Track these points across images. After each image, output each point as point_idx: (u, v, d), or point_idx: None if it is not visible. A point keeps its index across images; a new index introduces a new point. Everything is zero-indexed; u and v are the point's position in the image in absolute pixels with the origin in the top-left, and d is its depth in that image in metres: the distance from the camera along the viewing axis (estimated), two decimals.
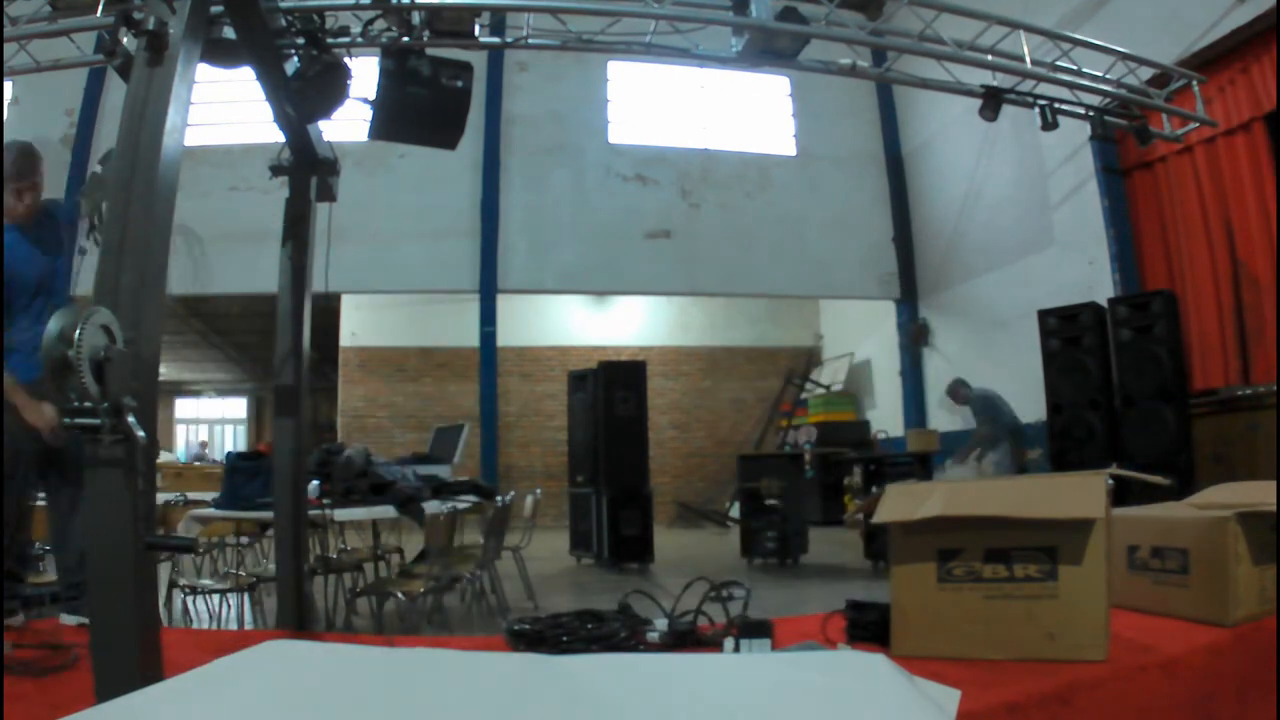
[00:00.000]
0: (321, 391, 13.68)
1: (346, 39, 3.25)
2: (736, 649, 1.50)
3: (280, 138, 2.87)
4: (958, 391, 7.97)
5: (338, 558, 4.47)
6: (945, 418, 9.77)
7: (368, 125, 3.13)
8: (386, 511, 4.20)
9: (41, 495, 2.98)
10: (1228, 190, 6.42)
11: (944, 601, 1.51)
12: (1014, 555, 1.49)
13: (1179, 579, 1.72)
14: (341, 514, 3.86)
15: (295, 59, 2.71)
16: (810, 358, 13.09)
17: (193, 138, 7.14)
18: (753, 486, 7.24)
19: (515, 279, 9.89)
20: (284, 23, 2.66)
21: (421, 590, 3.82)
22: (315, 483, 3.69)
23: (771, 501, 7.05)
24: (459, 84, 3.14)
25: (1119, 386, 6.12)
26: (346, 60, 2.81)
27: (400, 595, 3.81)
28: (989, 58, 5.43)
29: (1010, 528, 1.48)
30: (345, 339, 11.90)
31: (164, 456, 14.92)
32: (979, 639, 1.49)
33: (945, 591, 1.52)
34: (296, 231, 2.88)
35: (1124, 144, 7.17)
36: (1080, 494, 1.49)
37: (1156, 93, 5.99)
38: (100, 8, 3.89)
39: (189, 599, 4.06)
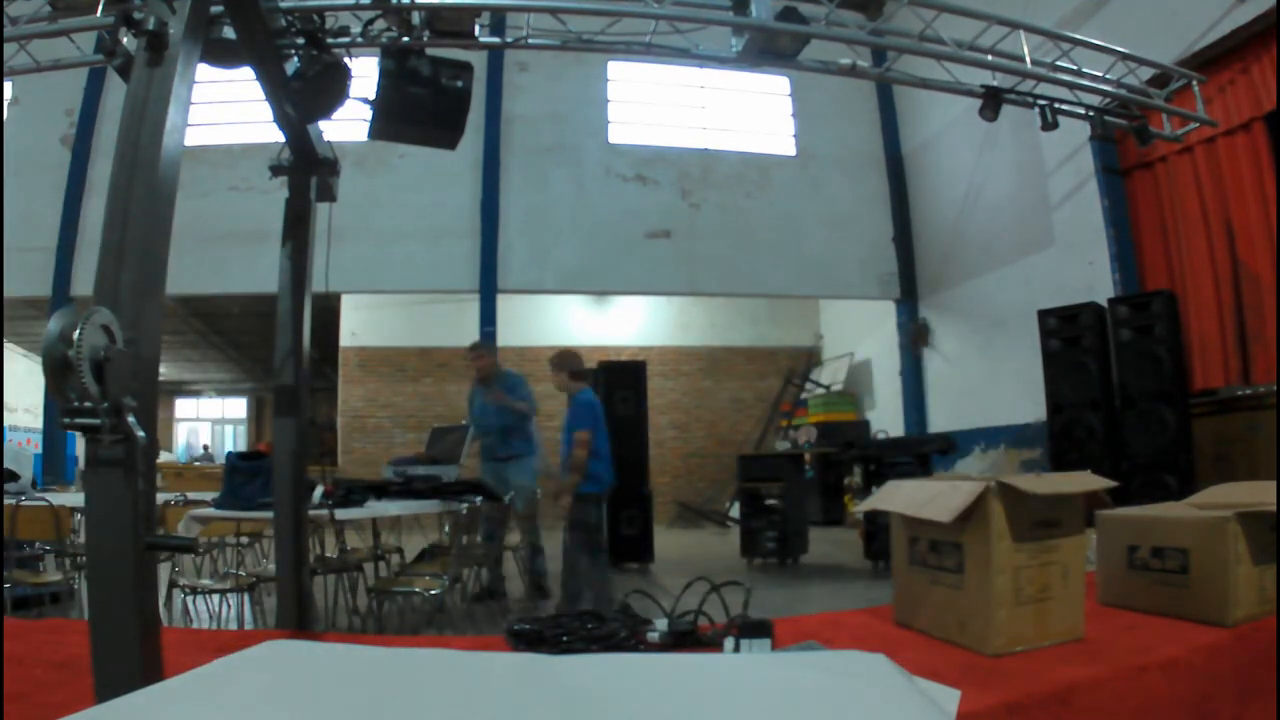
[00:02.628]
0: (321, 391, 13.68)
1: (346, 39, 3.26)
2: (736, 649, 1.50)
3: (280, 138, 2.87)
4: None
5: (338, 558, 4.48)
6: (945, 418, 9.78)
7: (368, 125, 3.13)
8: (385, 510, 4.21)
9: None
10: (1228, 190, 6.42)
11: (911, 578, 1.76)
12: (941, 548, 1.66)
13: (1179, 579, 1.73)
14: (341, 514, 3.86)
15: (295, 59, 2.71)
16: (810, 358, 13.09)
17: (193, 138, 7.15)
18: (753, 486, 7.24)
19: (515, 279, 9.89)
20: (284, 23, 2.66)
21: (437, 589, 3.82)
22: (319, 488, 3.69)
23: (771, 501, 7.06)
24: (459, 84, 3.13)
25: (1119, 386, 6.12)
26: (346, 60, 2.81)
27: (419, 590, 3.82)
28: (989, 58, 5.43)
29: (934, 523, 1.62)
30: (345, 339, 11.90)
31: (164, 456, 14.94)
32: (924, 615, 1.71)
33: (913, 570, 1.75)
34: (296, 231, 2.87)
35: (1124, 144, 7.18)
36: (962, 496, 1.57)
37: (1156, 93, 6.00)
38: (100, 8, 3.90)
39: (189, 599, 4.06)
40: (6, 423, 11.82)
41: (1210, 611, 1.65)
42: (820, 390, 12.25)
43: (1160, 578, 1.77)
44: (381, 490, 4.35)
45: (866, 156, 10.94)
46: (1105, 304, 6.41)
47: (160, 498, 4.44)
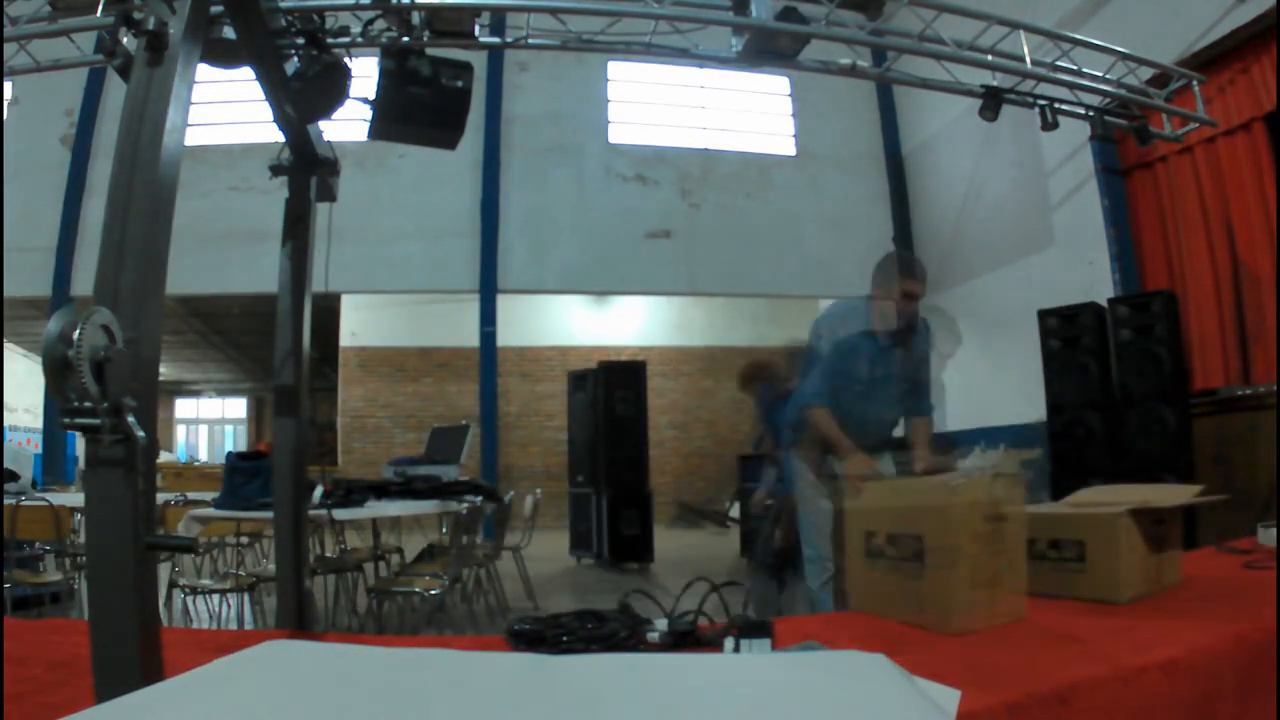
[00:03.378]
0: (321, 391, 13.70)
1: (346, 39, 3.26)
2: (736, 649, 1.50)
3: (280, 138, 2.87)
4: None
5: (338, 557, 4.48)
6: (945, 417, 9.77)
7: (368, 125, 3.13)
8: (385, 510, 4.21)
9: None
10: (1228, 190, 6.42)
11: (867, 571, 1.99)
12: (899, 540, 1.89)
13: (1076, 566, 2.03)
14: (341, 514, 3.86)
15: (295, 59, 2.71)
16: None
17: (193, 138, 7.14)
18: (753, 486, 7.24)
19: (515, 279, 9.89)
20: (284, 23, 2.66)
21: (437, 589, 3.82)
22: (319, 488, 3.69)
23: (772, 502, 7.05)
24: (459, 84, 3.13)
25: (1119, 386, 6.12)
26: (346, 60, 2.81)
27: (418, 590, 3.81)
28: (989, 58, 5.43)
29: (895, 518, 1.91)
30: (345, 339, 11.90)
31: (164, 456, 14.94)
32: (882, 601, 1.92)
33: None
34: (296, 231, 2.87)
35: (1124, 144, 7.17)
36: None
37: (1156, 93, 5.99)
38: (100, 8, 3.90)
39: (189, 599, 4.06)
40: (6, 423, 11.82)
41: (1105, 592, 1.95)
42: None
43: (1059, 565, 2.06)
44: (381, 490, 4.35)
45: (866, 156, 10.93)
46: (1105, 304, 6.41)
47: (160, 498, 4.44)
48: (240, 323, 13.85)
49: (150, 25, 1.65)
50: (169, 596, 3.95)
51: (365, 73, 2.95)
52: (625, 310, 12.58)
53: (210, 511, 3.97)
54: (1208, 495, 2.34)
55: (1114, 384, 6.18)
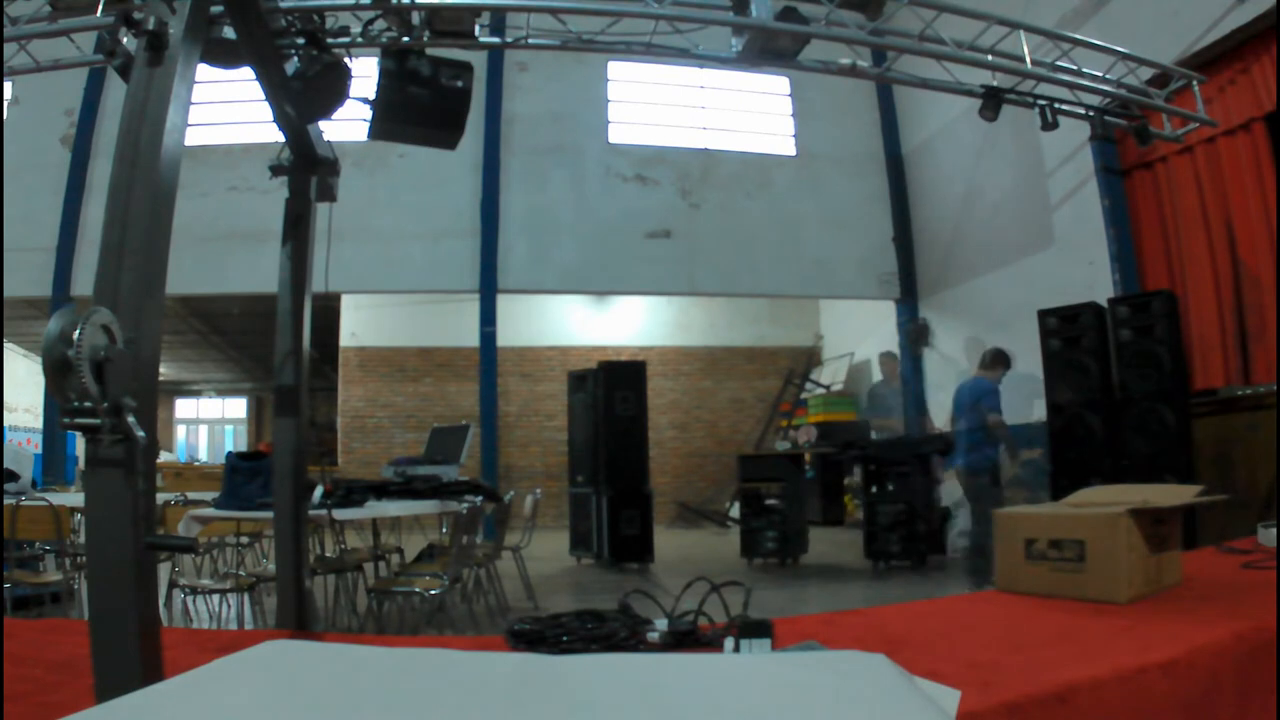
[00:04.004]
0: (321, 391, 13.71)
1: (346, 39, 3.26)
2: (736, 649, 1.50)
3: (280, 138, 2.87)
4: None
5: (338, 557, 4.48)
6: (945, 417, 9.77)
7: (368, 125, 3.13)
8: (385, 510, 4.20)
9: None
10: (1228, 190, 6.41)
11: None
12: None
13: (1076, 566, 2.04)
14: (341, 514, 3.85)
15: (295, 59, 2.71)
16: (810, 358, 13.09)
17: (193, 138, 7.14)
18: (753, 486, 7.25)
19: (515, 279, 9.89)
20: (284, 23, 2.66)
21: (437, 589, 3.82)
22: (319, 488, 3.69)
23: (771, 501, 7.05)
24: (459, 84, 3.14)
25: (1119, 386, 6.12)
26: (346, 60, 2.81)
27: (418, 590, 3.81)
28: (989, 58, 5.43)
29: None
30: (345, 339, 11.91)
31: (164, 456, 14.94)
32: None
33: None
34: (296, 231, 2.88)
35: (1124, 144, 7.17)
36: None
37: (1156, 93, 5.99)
38: (100, 8, 3.90)
39: (189, 599, 4.06)
40: (6, 423, 11.82)
41: (1105, 592, 1.96)
42: (820, 390, 12.25)
43: (1059, 565, 2.07)
44: (381, 490, 4.35)
45: (866, 156, 10.93)
46: (1105, 304, 6.41)
47: (160, 498, 4.44)
48: (240, 323, 13.86)
49: (150, 25, 1.65)
50: (169, 596, 3.95)
51: (365, 73, 2.95)
52: (625, 310, 12.58)
53: (210, 511, 3.97)
54: (1208, 495, 2.34)
55: (1114, 384, 6.18)
